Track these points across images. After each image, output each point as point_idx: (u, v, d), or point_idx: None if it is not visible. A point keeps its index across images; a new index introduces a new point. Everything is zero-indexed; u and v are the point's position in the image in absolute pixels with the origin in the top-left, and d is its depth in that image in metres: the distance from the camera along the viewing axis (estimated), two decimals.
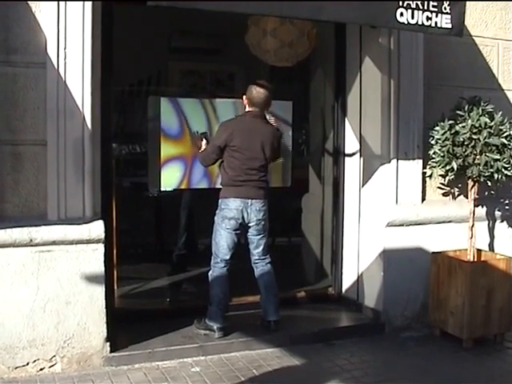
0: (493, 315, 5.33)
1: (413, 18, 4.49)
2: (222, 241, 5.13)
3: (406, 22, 4.49)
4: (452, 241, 5.65)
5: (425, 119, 5.59)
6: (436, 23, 4.61)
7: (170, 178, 5.70)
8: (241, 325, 5.30)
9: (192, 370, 4.70)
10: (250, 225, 5.16)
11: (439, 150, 5.32)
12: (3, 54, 4.40)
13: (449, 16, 4.62)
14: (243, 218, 5.10)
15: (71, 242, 4.53)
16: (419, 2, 4.50)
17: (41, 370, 4.51)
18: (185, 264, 6.40)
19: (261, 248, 5.25)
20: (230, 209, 5.08)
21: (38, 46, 4.47)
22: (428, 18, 4.57)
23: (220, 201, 5.15)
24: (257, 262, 5.28)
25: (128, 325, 4.99)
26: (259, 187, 5.15)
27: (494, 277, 5.33)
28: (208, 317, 5.12)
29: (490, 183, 5.44)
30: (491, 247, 5.94)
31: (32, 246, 4.44)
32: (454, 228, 5.72)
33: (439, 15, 4.60)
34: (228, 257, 5.13)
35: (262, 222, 5.19)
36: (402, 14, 4.46)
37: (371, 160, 5.74)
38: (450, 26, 4.65)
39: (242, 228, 5.16)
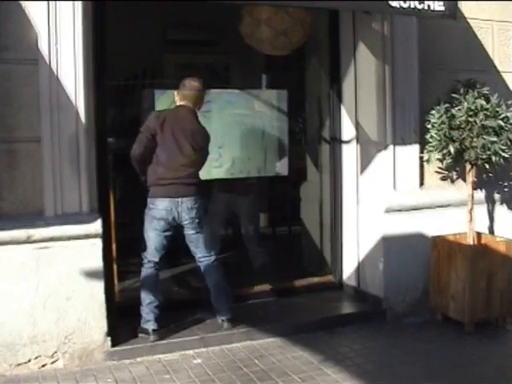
0: (494, 299, 5.33)
1: (405, 1, 4.49)
2: (150, 242, 4.93)
3: (398, 6, 4.49)
4: (451, 225, 5.63)
5: (421, 104, 5.57)
6: (429, 6, 4.61)
7: None
8: (241, 316, 5.30)
9: (194, 361, 4.71)
10: (183, 224, 4.95)
11: (436, 133, 5.30)
12: None
13: None
14: (174, 218, 4.88)
15: (69, 238, 4.53)
16: None
17: (43, 366, 4.52)
18: (184, 257, 6.38)
19: (202, 246, 5.04)
20: (159, 209, 4.86)
21: (29, 43, 4.46)
22: (421, 2, 4.56)
23: (148, 200, 4.92)
24: (201, 260, 5.08)
25: (129, 319, 4.97)
26: (189, 184, 4.90)
27: (495, 260, 5.32)
28: (142, 319, 4.93)
29: (487, 166, 5.42)
30: (491, 230, 5.94)
31: (30, 242, 4.44)
32: (453, 212, 5.70)
33: None
34: (157, 259, 4.93)
35: (197, 220, 4.95)
36: None
37: (368, 146, 5.72)
38: (443, 8, 4.64)
39: (173, 229, 4.95)
